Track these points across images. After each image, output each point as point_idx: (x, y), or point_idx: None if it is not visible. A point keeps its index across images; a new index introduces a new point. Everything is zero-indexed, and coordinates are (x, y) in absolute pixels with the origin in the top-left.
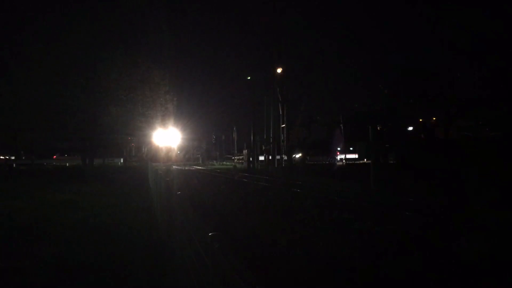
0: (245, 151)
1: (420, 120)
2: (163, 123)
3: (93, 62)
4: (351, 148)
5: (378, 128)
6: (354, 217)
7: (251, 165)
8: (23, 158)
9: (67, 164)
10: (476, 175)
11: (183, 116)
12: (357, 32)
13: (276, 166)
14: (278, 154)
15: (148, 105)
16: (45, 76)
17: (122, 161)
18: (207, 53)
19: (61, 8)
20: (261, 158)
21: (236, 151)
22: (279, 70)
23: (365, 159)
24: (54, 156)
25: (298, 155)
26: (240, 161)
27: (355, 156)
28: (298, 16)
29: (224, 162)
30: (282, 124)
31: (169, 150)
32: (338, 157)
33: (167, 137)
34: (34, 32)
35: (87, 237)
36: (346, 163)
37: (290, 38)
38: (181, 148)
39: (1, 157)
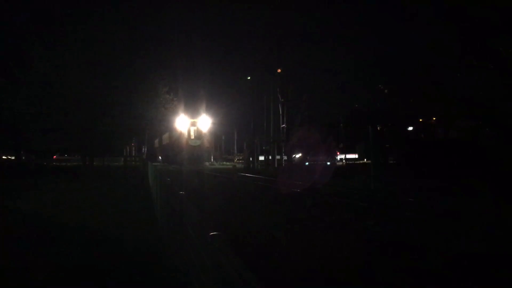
0: (245, 151)
1: (420, 120)
2: (163, 122)
3: (93, 63)
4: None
5: (378, 128)
6: (353, 217)
7: (251, 166)
8: (23, 158)
9: (67, 164)
10: (476, 175)
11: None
12: (358, 32)
13: (276, 166)
14: (278, 154)
15: (148, 106)
16: (46, 76)
17: (122, 161)
18: (207, 53)
19: (60, 9)
20: (261, 158)
21: (236, 151)
22: (279, 70)
23: (365, 159)
24: (54, 156)
25: (298, 155)
26: (240, 161)
27: (355, 156)
28: (299, 16)
29: (224, 162)
30: (282, 124)
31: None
32: (338, 157)
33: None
34: (35, 33)
35: (85, 238)
36: (346, 163)
37: (290, 38)
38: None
39: (3, 157)
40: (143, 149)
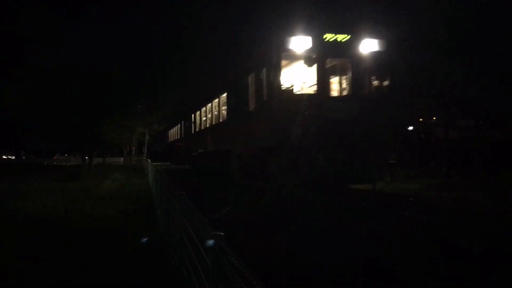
0: None
1: (420, 120)
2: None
3: (94, 67)
4: None
5: None
6: (353, 217)
7: None
8: (24, 158)
9: (67, 164)
10: (476, 175)
11: None
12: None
13: None
14: None
15: (148, 111)
16: (47, 77)
17: (122, 160)
18: (205, 51)
19: (61, 12)
20: None
21: None
22: None
23: None
24: (55, 156)
25: None
26: None
27: None
28: (300, 14)
29: None
30: None
31: None
32: None
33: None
34: (36, 35)
35: (83, 237)
36: None
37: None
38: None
39: (4, 156)
40: (143, 148)
